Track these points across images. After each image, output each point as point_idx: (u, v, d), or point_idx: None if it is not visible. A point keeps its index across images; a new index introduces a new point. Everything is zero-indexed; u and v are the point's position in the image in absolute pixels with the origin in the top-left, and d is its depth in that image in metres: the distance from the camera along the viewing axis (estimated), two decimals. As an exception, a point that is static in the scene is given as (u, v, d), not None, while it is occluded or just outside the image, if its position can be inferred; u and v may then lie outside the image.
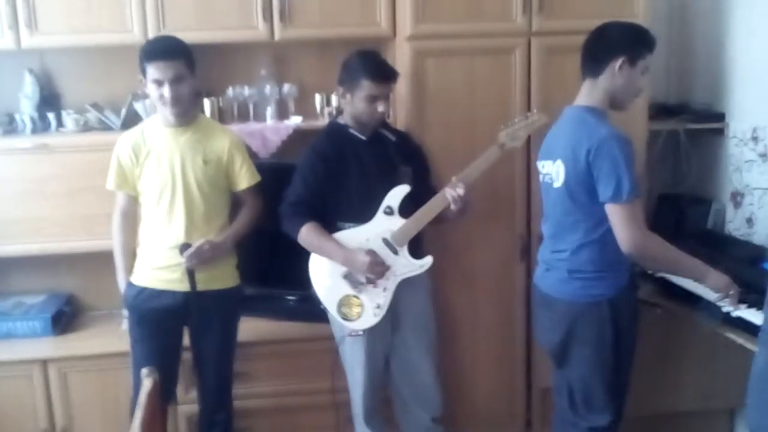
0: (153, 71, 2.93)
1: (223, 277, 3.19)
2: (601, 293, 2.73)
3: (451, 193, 2.99)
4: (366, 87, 3.01)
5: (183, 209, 3.06)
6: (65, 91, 3.75)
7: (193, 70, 3.03)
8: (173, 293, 3.10)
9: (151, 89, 2.97)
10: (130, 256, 3.22)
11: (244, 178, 3.17)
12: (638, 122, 3.43)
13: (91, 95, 3.68)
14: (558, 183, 2.75)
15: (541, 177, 2.93)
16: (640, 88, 2.79)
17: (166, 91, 2.94)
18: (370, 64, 3.05)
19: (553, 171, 2.79)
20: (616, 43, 2.71)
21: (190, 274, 3.04)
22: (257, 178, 3.21)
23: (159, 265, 3.11)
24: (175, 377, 3.28)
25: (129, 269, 3.20)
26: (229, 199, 3.21)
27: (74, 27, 3.40)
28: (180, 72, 2.95)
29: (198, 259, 3.03)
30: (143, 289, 3.13)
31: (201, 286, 3.07)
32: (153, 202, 3.10)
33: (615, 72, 2.70)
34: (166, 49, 2.96)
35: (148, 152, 3.08)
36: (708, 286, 2.76)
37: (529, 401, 3.72)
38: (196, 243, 3.03)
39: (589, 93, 2.77)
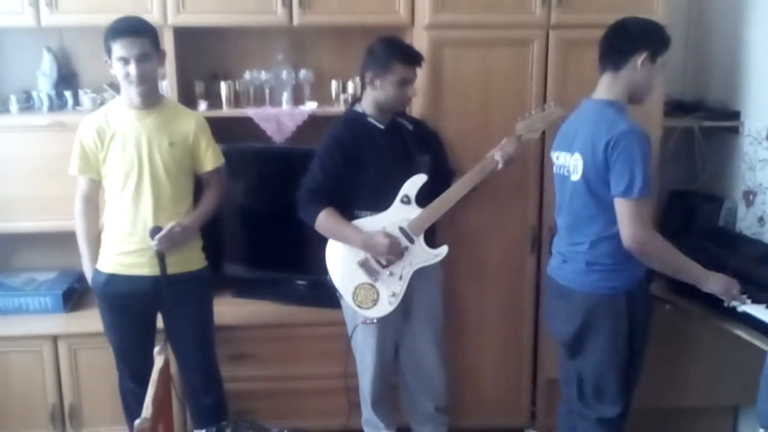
0: (118, 49, 2.90)
1: (191, 259, 3.18)
2: (619, 285, 2.75)
3: (501, 152, 3.07)
4: (398, 71, 3.02)
5: (150, 192, 3.03)
6: (82, 70, 3.77)
7: (158, 49, 3.01)
8: (142, 278, 3.08)
9: (117, 68, 2.94)
10: (95, 242, 3.18)
11: (210, 159, 3.16)
12: (653, 118, 3.43)
13: (108, 75, 3.59)
14: (576, 176, 2.75)
15: (555, 168, 2.94)
16: (657, 85, 2.81)
17: (132, 68, 2.91)
18: (400, 48, 3.07)
19: (570, 163, 2.79)
20: (639, 38, 2.71)
21: (161, 257, 3.02)
22: (221, 160, 3.21)
23: (126, 250, 3.08)
24: (151, 362, 3.28)
25: (95, 256, 3.17)
26: (193, 181, 3.20)
27: (93, 6, 3.41)
28: (145, 49, 2.93)
29: (169, 242, 3.01)
30: (112, 276, 3.10)
31: (171, 270, 3.06)
32: (118, 186, 3.06)
33: (637, 66, 2.70)
34: (130, 27, 2.93)
35: (112, 135, 3.04)
36: (707, 289, 2.77)
37: (534, 392, 3.73)
38: (168, 226, 3.01)
39: (609, 86, 2.77)
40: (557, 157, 2.91)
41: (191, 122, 3.12)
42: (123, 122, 3.04)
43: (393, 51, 3.04)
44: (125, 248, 3.08)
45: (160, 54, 3.05)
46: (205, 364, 3.27)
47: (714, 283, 2.76)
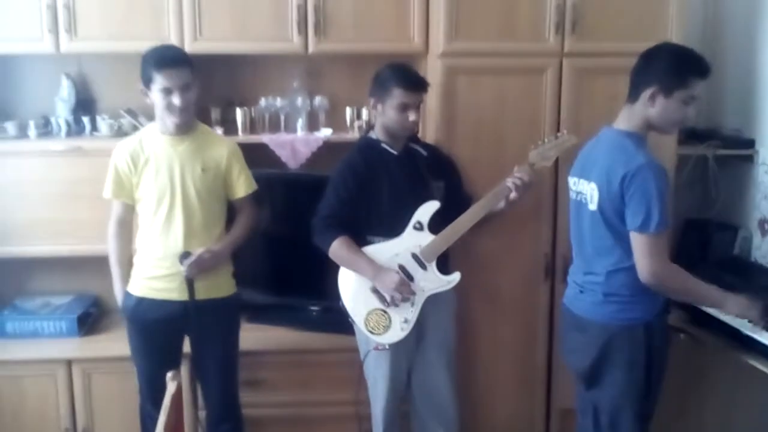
0: (162, 80, 2.92)
1: (221, 285, 3.18)
2: (637, 317, 2.72)
3: (514, 179, 3.06)
4: (397, 95, 3.03)
5: (182, 217, 3.06)
6: (100, 96, 3.82)
7: (196, 78, 3.04)
8: (171, 303, 3.09)
9: (158, 98, 2.96)
10: (127, 265, 3.20)
11: (242, 186, 3.18)
12: (667, 146, 3.42)
13: (126, 101, 3.72)
14: (593, 206, 2.74)
15: (572, 194, 2.92)
16: (681, 118, 2.72)
17: (176, 99, 2.94)
18: (401, 73, 3.08)
19: (587, 192, 2.78)
20: (651, 71, 2.67)
21: (190, 283, 3.04)
22: (254, 186, 3.23)
23: (157, 275, 3.10)
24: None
25: (126, 279, 3.19)
26: (225, 207, 3.21)
27: (112, 33, 3.46)
28: (188, 80, 2.96)
29: (198, 268, 3.02)
30: (141, 300, 3.12)
31: (200, 296, 3.07)
32: (151, 211, 3.08)
33: (646, 101, 2.67)
34: (175, 58, 2.97)
35: (146, 160, 3.06)
36: (728, 312, 2.76)
37: (548, 422, 3.71)
38: (197, 252, 3.02)
39: (627, 118, 2.74)
40: (574, 183, 2.90)
41: (224, 149, 3.15)
42: (157, 148, 3.07)
43: (393, 76, 3.06)
44: (156, 272, 3.10)
45: (197, 82, 3.07)
46: (226, 391, 3.27)
47: (733, 305, 2.73)
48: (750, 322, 2.79)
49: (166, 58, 2.95)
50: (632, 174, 2.58)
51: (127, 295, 3.17)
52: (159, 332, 3.12)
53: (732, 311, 2.75)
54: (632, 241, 2.63)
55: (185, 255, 3.02)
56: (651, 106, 2.67)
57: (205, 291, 3.10)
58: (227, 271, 3.23)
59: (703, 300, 2.78)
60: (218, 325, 3.18)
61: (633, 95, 2.72)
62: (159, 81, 2.93)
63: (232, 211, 3.25)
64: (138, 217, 3.17)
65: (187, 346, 3.23)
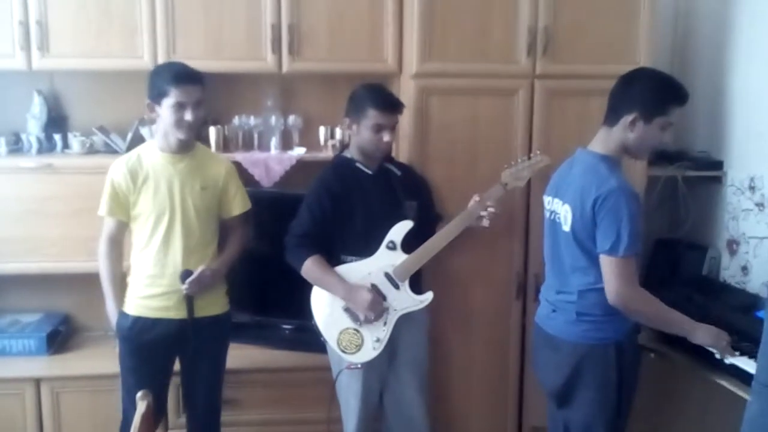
0: (178, 94, 2.91)
1: (216, 303, 3.18)
2: (609, 336, 2.74)
3: (486, 213, 3.12)
4: (372, 116, 3.05)
5: (181, 236, 3.05)
6: (72, 113, 3.80)
7: (205, 97, 3.05)
8: (168, 321, 3.07)
9: (168, 113, 2.94)
10: (120, 283, 3.17)
11: (238, 204, 3.19)
12: (638, 168, 3.46)
13: (98, 118, 3.72)
14: (566, 227, 2.76)
15: (546, 213, 2.94)
16: (657, 143, 2.76)
17: (188, 114, 2.94)
18: (377, 94, 3.10)
19: (561, 212, 2.80)
20: (632, 97, 2.68)
21: (189, 301, 3.04)
22: (249, 205, 3.24)
23: (153, 293, 3.08)
24: (165, 403, 3.27)
25: (119, 297, 3.15)
26: (218, 225, 3.21)
27: (85, 51, 3.45)
28: (201, 96, 2.98)
29: (199, 286, 3.03)
30: (137, 319, 3.09)
31: (197, 313, 3.08)
32: (148, 229, 3.06)
33: (626, 126, 2.69)
34: (192, 74, 2.98)
35: (145, 178, 3.05)
36: (696, 341, 2.77)
37: (519, 440, 3.72)
38: (198, 270, 3.03)
39: (604, 140, 2.76)
40: (548, 203, 2.92)
41: (221, 168, 3.16)
42: (156, 165, 3.06)
43: (368, 97, 3.09)
44: (152, 291, 3.08)
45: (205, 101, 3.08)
46: (210, 410, 3.25)
47: (702, 335, 2.75)
48: (716, 351, 2.81)
49: (184, 74, 2.95)
50: (604, 197, 2.60)
51: (122, 314, 3.12)
52: (154, 351, 3.09)
53: (701, 341, 2.77)
54: (602, 264, 2.65)
55: (186, 273, 3.01)
56: (630, 131, 2.69)
57: (203, 308, 3.10)
58: (222, 288, 3.23)
59: (670, 327, 2.79)
60: (213, 342, 3.18)
61: (612, 119, 2.73)
62: (174, 95, 2.92)
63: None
64: (132, 235, 3.14)
65: (177, 365, 3.22)
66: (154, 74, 3.01)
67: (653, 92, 2.69)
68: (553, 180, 2.96)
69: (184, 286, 3.01)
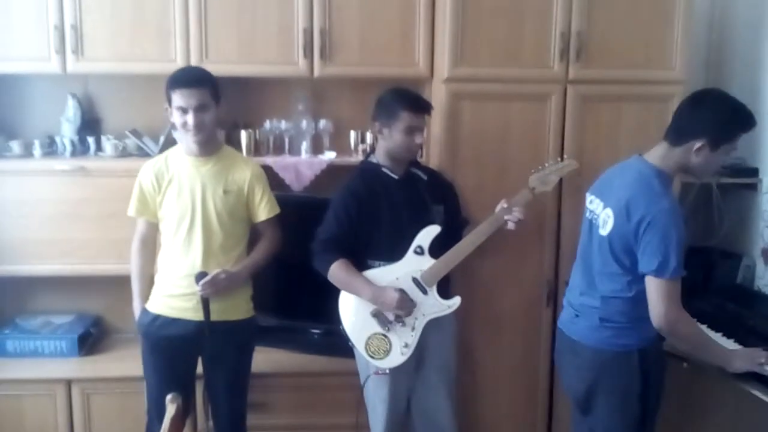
0: (177, 98, 2.97)
1: (237, 308, 3.18)
2: (632, 343, 2.70)
3: (511, 217, 3.09)
4: (405, 118, 3.05)
5: (201, 238, 3.07)
6: (106, 117, 3.84)
7: (217, 100, 3.06)
8: (186, 322, 3.09)
9: (176, 116, 3.00)
10: (147, 282, 3.23)
11: (264, 209, 3.19)
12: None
13: (131, 122, 3.75)
14: (603, 231, 2.72)
15: (587, 212, 2.89)
16: (719, 167, 2.72)
17: (190, 118, 2.97)
18: (407, 97, 3.10)
19: (600, 215, 2.75)
20: (701, 123, 2.61)
21: (205, 303, 3.05)
22: (277, 210, 3.23)
23: (175, 293, 3.11)
24: (188, 405, 3.27)
25: (145, 295, 3.20)
26: (247, 229, 3.22)
27: (119, 55, 3.49)
28: (204, 100, 2.99)
29: (213, 288, 3.03)
30: (157, 317, 3.13)
31: (215, 317, 3.07)
32: (172, 230, 3.11)
33: (692, 151, 2.62)
34: (191, 78, 3.01)
35: (170, 180, 3.10)
36: (733, 370, 2.72)
37: (549, 448, 3.68)
38: (212, 272, 3.03)
39: (663, 156, 2.68)
40: (590, 201, 2.88)
41: (247, 171, 3.16)
42: (181, 168, 3.10)
43: (399, 99, 3.08)
44: (174, 291, 3.11)
45: (219, 103, 3.09)
46: (233, 415, 3.25)
47: (740, 363, 2.70)
48: (758, 370, 2.75)
49: (182, 78, 3.00)
50: (653, 216, 2.54)
51: (143, 311, 3.18)
52: (172, 350, 3.11)
53: (738, 369, 2.71)
54: (647, 285, 2.59)
55: (201, 275, 3.03)
56: (695, 156, 2.62)
57: (221, 312, 3.10)
58: (245, 293, 3.23)
59: (708, 354, 2.74)
60: (231, 347, 3.17)
61: (675, 139, 2.65)
62: (175, 99, 2.98)
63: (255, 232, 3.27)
64: (161, 236, 3.19)
65: (199, 367, 3.23)
66: (167, 78, 3.05)
67: (723, 120, 2.61)
68: (599, 180, 2.91)
69: (198, 288, 3.01)
